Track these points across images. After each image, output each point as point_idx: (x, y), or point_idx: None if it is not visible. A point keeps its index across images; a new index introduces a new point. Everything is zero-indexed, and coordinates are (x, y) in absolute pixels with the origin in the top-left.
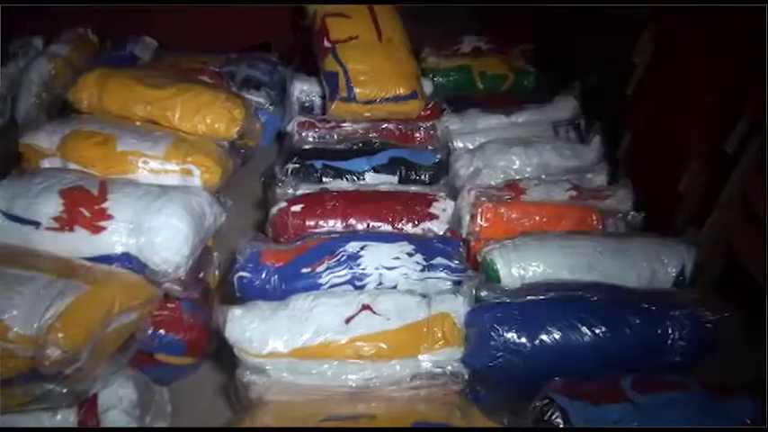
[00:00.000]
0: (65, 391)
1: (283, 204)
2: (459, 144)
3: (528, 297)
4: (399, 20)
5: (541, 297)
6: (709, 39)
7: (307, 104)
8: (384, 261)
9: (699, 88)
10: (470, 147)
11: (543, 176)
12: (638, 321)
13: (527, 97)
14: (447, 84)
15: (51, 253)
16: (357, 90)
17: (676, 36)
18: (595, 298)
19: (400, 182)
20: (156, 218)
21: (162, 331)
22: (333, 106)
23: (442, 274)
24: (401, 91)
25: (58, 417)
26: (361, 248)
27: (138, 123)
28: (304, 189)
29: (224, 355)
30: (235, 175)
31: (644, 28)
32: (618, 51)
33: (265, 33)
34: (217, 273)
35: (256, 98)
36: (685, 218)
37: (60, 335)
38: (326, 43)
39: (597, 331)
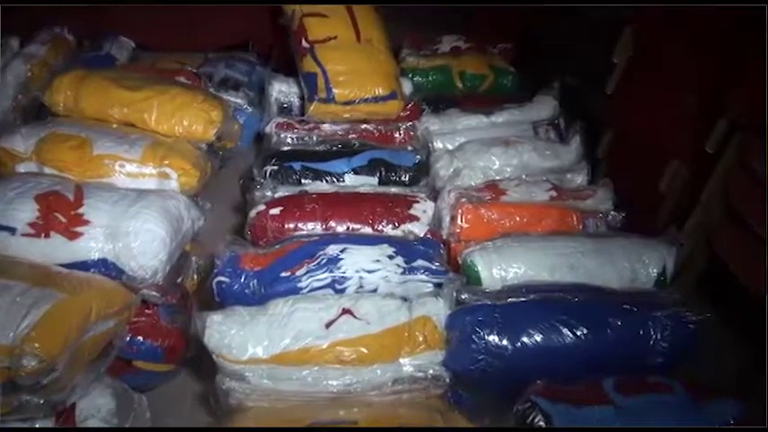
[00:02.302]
0: (42, 401)
1: (262, 207)
2: (438, 144)
3: (509, 299)
4: (378, 20)
5: (523, 299)
6: (688, 38)
7: (285, 105)
8: (364, 264)
9: (679, 87)
10: (450, 147)
11: (523, 177)
12: (619, 323)
13: (507, 97)
14: (426, 84)
15: (27, 260)
16: (336, 91)
17: (656, 36)
18: (577, 299)
19: (380, 183)
20: (133, 222)
21: (140, 338)
22: (311, 107)
23: (423, 277)
24: (380, 92)
25: (36, 426)
26: (342, 251)
27: (114, 126)
28: (283, 191)
29: (204, 362)
30: (213, 178)
31: (624, 27)
32: (598, 51)
33: (244, 33)
34: (195, 277)
35: (235, 99)
36: (666, 217)
37: (36, 344)
38: (305, 44)
39: (579, 333)
